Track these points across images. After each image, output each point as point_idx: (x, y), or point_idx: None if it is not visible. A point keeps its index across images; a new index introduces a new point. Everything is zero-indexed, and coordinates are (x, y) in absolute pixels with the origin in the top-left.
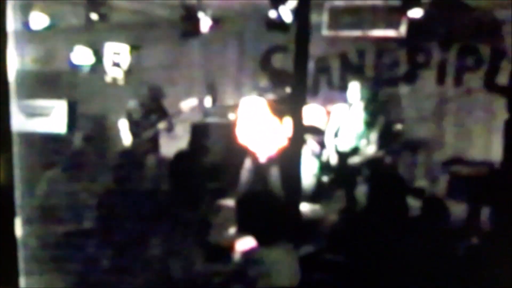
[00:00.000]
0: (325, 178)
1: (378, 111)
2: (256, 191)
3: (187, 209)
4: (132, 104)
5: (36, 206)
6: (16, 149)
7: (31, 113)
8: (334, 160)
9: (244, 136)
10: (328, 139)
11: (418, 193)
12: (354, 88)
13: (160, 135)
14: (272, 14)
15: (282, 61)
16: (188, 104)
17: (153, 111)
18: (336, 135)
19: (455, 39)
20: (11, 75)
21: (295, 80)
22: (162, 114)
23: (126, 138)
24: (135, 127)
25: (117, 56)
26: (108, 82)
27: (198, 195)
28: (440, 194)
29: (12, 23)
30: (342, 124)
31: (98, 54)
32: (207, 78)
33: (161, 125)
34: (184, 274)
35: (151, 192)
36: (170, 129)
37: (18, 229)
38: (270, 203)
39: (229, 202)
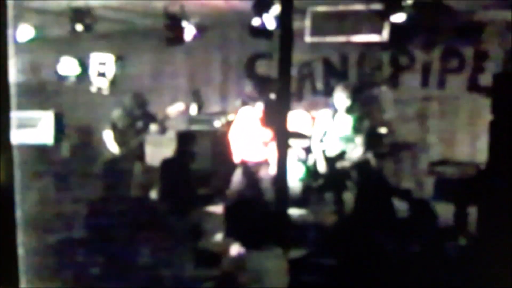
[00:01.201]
0: (312, 183)
1: (363, 115)
2: (244, 197)
3: (175, 216)
4: (116, 113)
5: (26, 216)
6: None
7: (18, 125)
8: (321, 164)
9: (234, 143)
10: (314, 144)
11: (404, 195)
12: (339, 93)
13: (145, 143)
14: (256, 21)
15: (266, 68)
16: (174, 109)
17: (138, 118)
18: (321, 140)
19: (437, 41)
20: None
21: (279, 86)
22: (150, 119)
23: (112, 147)
24: (120, 136)
25: (102, 66)
26: (94, 92)
27: (185, 202)
28: (426, 196)
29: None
30: (328, 129)
31: (84, 65)
32: (192, 86)
33: (153, 128)
34: (174, 280)
35: (139, 200)
36: (162, 131)
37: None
38: (257, 209)
39: (217, 209)
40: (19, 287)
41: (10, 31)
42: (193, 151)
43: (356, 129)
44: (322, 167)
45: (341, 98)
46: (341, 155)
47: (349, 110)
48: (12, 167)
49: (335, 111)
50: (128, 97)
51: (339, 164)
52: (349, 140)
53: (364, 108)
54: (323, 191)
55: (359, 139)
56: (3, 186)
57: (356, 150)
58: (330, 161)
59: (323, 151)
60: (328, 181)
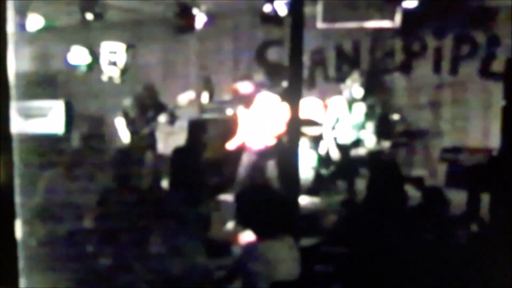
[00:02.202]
0: (324, 171)
1: (375, 102)
2: (255, 185)
3: (187, 205)
4: (128, 102)
5: (35, 206)
6: (14, 150)
7: (29, 114)
8: (333, 152)
9: (240, 131)
10: (326, 131)
11: (417, 183)
12: (352, 81)
13: (157, 132)
14: (267, 8)
15: (277, 55)
16: (185, 97)
17: (149, 107)
18: (334, 127)
19: (450, 27)
20: (11, 75)
21: (291, 74)
22: (160, 108)
23: (124, 136)
24: (132, 125)
25: (113, 55)
26: (104, 81)
27: (197, 191)
28: (439, 183)
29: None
30: (340, 116)
31: (94, 54)
32: (203, 74)
33: (163, 118)
34: (185, 269)
35: (151, 189)
36: (172, 121)
37: (18, 229)
38: (268, 197)
39: (228, 197)
40: (19, 287)
41: (20, 21)
42: (205, 139)
43: (369, 117)
44: (334, 155)
45: (354, 85)
46: (354, 143)
47: (362, 98)
48: (12, 167)
49: (348, 98)
50: (140, 88)
51: (352, 152)
52: (362, 127)
53: (377, 96)
54: (335, 179)
55: (372, 127)
56: (3, 186)
57: (368, 138)
58: (343, 148)
59: (335, 139)
60: (340, 168)
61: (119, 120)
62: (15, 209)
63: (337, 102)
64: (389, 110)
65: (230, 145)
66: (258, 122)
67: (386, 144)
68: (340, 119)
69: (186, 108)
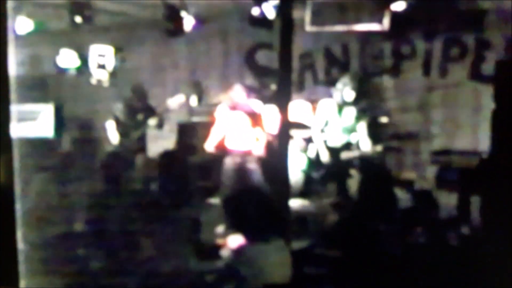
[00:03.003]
0: (313, 174)
1: (365, 106)
2: (242, 188)
3: (176, 208)
4: (118, 106)
5: (27, 209)
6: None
7: (18, 118)
8: (323, 155)
9: (222, 135)
10: (315, 134)
11: (407, 185)
12: (342, 84)
13: (147, 135)
14: (255, 11)
15: (266, 58)
16: (175, 101)
17: (139, 110)
18: (323, 130)
19: (439, 30)
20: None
21: (280, 77)
22: (149, 112)
23: (114, 139)
24: (122, 128)
25: (102, 58)
26: (94, 84)
27: (186, 194)
28: (428, 186)
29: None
30: (330, 119)
31: (83, 57)
32: (192, 77)
33: (151, 122)
34: (175, 272)
35: (140, 192)
36: (160, 125)
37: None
38: (256, 200)
39: (218, 201)
40: (19, 287)
41: (9, 24)
42: (194, 142)
43: (359, 120)
44: (324, 157)
45: (344, 89)
46: (344, 146)
47: (352, 101)
48: (12, 167)
49: (339, 101)
50: (129, 91)
51: (342, 155)
52: (351, 130)
53: (367, 99)
54: (325, 182)
55: (362, 130)
56: (3, 186)
57: (358, 141)
58: (333, 151)
59: (325, 141)
60: (330, 171)
61: (109, 124)
62: (15, 210)
63: (326, 105)
64: (378, 113)
65: (209, 146)
66: (241, 125)
67: (376, 147)
68: (329, 122)
69: (175, 111)
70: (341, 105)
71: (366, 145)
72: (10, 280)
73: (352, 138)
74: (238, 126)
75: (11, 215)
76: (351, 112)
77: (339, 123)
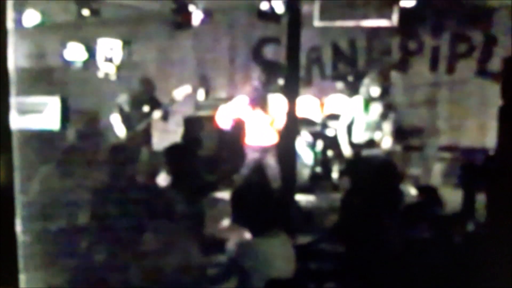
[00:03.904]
0: (320, 169)
1: (390, 103)
2: (249, 182)
3: (182, 202)
4: (123, 98)
5: (31, 203)
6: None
7: (24, 110)
8: (346, 150)
9: (241, 129)
10: (340, 129)
11: (413, 181)
12: (369, 81)
13: (152, 128)
14: (264, 5)
15: (274, 53)
16: (181, 92)
17: (145, 102)
18: (349, 126)
19: (446, 26)
20: (11, 72)
21: (287, 72)
22: (155, 104)
23: (119, 131)
24: (127, 120)
25: (109, 51)
26: (100, 77)
27: (192, 188)
28: (434, 182)
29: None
30: (356, 116)
31: (91, 50)
32: (200, 71)
33: (156, 115)
34: (180, 266)
35: (145, 186)
36: (165, 117)
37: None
38: (263, 194)
39: (224, 195)
40: (19, 287)
41: (16, 17)
42: (200, 136)
43: (384, 116)
44: (347, 153)
45: (371, 86)
46: (367, 143)
47: (377, 98)
48: (12, 167)
49: (365, 97)
50: (136, 84)
51: (365, 152)
52: (377, 127)
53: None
54: (342, 176)
55: (387, 127)
56: (3, 186)
57: (384, 138)
58: (356, 148)
59: (349, 137)
60: (351, 167)
61: (114, 117)
62: (15, 208)
63: (354, 101)
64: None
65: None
66: (261, 120)
67: (398, 144)
68: (355, 119)
69: (181, 104)
70: (368, 101)
71: (388, 142)
72: (10, 280)
73: (376, 135)
74: (257, 122)
75: (11, 216)
76: (377, 108)
77: (365, 119)
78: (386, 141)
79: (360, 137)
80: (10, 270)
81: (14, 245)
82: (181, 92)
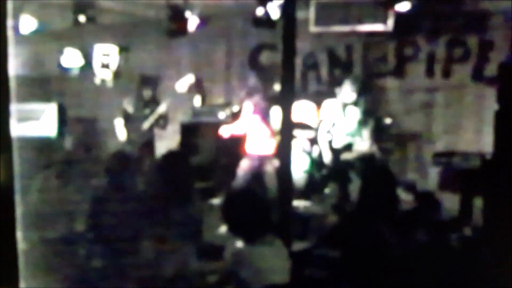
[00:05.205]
0: (316, 175)
1: (370, 108)
2: (239, 191)
3: (178, 209)
4: (128, 99)
5: (29, 209)
6: None
7: (21, 117)
8: (327, 156)
9: (240, 136)
10: (320, 134)
11: (409, 186)
12: (347, 86)
13: (154, 136)
14: (259, 11)
15: (270, 58)
16: (184, 82)
17: (148, 102)
18: (328, 131)
19: (443, 31)
20: (11, 76)
21: (283, 77)
22: (157, 104)
23: (121, 134)
24: (132, 122)
25: (106, 57)
26: (97, 84)
27: (188, 195)
28: (431, 187)
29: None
30: (335, 120)
31: (87, 56)
32: (196, 77)
33: (162, 108)
34: (176, 273)
35: (143, 192)
36: (164, 126)
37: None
38: (253, 202)
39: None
40: (19, 287)
41: (13, 23)
42: (197, 143)
43: (363, 122)
44: (328, 159)
45: (348, 91)
46: (347, 147)
47: (356, 103)
48: (12, 167)
49: (343, 103)
50: (135, 85)
51: (345, 156)
52: (356, 132)
53: (370, 100)
54: (327, 183)
55: (366, 132)
56: (3, 186)
57: (362, 143)
58: (336, 152)
59: (330, 142)
60: (333, 172)
61: (118, 121)
62: (15, 210)
63: (332, 106)
64: (382, 114)
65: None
66: (259, 128)
67: (379, 148)
68: (335, 123)
69: (178, 109)
70: (346, 107)
71: (369, 147)
72: (10, 280)
73: (357, 140)
74: (257, 130)
75: (11, 216)
76: (356, 114)
77: (344, 124)
78: (364, 145)
79: (340, 142)
80: (10, 271)
81: (14, 246)
82: (184, 83)
